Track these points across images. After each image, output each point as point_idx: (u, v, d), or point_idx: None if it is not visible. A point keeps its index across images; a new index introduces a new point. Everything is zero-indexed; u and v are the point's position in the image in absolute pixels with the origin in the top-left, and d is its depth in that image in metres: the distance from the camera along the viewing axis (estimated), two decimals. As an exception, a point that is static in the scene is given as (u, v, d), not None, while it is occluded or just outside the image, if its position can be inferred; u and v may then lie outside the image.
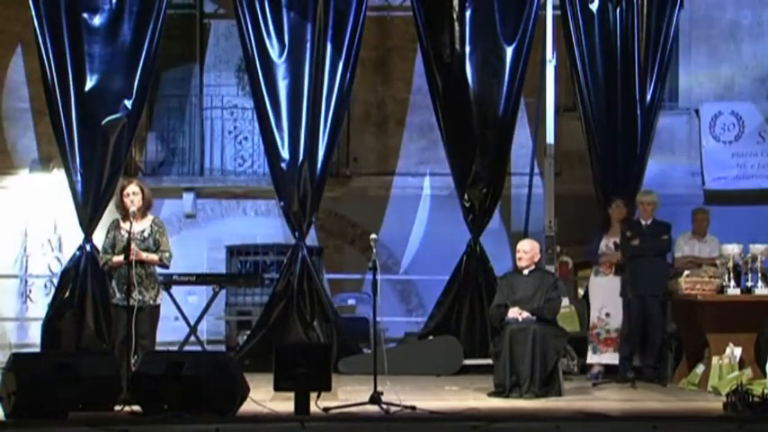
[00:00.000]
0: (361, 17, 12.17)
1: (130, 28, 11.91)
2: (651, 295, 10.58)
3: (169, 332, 12.05)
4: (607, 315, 11.11)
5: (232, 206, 14.98)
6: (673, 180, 14.26)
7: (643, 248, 10.64)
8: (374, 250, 8.92)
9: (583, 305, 11.58)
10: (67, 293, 11.64)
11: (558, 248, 12.17)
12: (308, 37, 11.97)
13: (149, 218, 9.22)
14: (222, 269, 14.54)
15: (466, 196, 12.12)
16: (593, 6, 12.11)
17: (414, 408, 8.34)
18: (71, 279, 11.68)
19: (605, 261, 11.14)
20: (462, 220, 12.19)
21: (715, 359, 9.95)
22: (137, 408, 8.00)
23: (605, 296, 11.13)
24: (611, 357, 11.01)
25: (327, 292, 12.25)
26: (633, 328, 10.55)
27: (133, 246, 8.88)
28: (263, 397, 8.51)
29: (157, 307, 9.17)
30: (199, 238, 14.66)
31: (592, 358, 11.19)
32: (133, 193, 9.09)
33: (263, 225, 14.85)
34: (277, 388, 8.31)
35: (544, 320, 9.66)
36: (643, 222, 10.91)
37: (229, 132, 15.01)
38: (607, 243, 11.15)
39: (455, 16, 12.07)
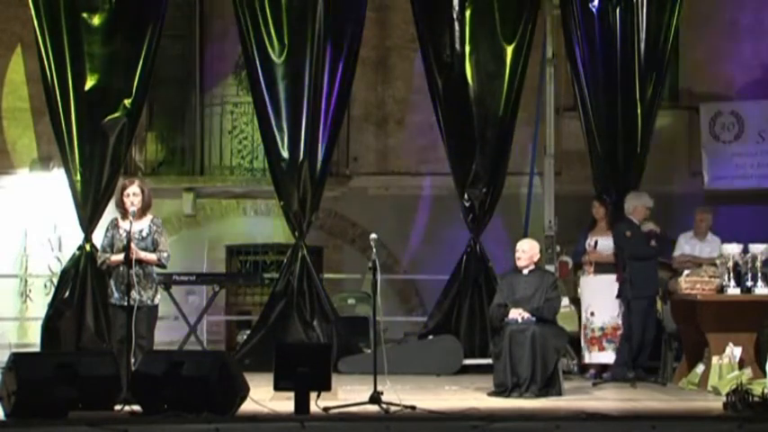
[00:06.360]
0: (361, 17, 12.18)
1: (130, 28, 11.91)
2: (652, 296, 10.62)
3: (169, 332, 12.06)
4: (592, 314, 11.13)
5: (232, 206, 14.98)
6: (673, 180, 14.27)
7: (658, 250, 10.72)
8: (374, 250, 8.92)
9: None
10: (67, 293, 11.65)
11: (558, 248, 12.19)
12: (308, 37, 11.96)
13: (148, 217, 9.23)
14: (222, 269, 14.54)
15: (466, 196, 12.12)
16: (593, 6, 12.11)
17: (414, 408, 8.34)
18: (71, 279, 11.69)
19: (586, 260, 11.18)
20: (462, 220, 12.20)
21: (715, 359, 9.95)
22: (137, 408, 8.01)
23: (590, 295, 11.16)
24: (600, 357, 11.03)
25: (326, 291, 12.24)
26: (635, 328, 10.50)
27: (132, 245, 8.89)
28: (263, 397, 8.51)
29: (155, 307, 9.19)
30: (199, 238, 14.66)
31: (587, 358, 11.20)
32: (134, 194, 9.10)
33: (263, 225, 14.84)
34: (277, 388, 8.32)
35: (544, 320, 9.66)
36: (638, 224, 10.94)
37: (229, 132, 15.00)
38: (589, 242, 11.18)
39: (455, 16, 12.07)
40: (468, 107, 12.09)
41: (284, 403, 8.28)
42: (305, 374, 8.13)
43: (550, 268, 11.57)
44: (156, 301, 9.20)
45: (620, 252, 10.71)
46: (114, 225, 9.21)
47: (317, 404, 8.15)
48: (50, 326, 11.53)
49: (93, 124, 11.81)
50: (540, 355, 9.46)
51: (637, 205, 10.97)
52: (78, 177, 11.83)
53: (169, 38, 13.63)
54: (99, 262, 9.37)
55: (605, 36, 12.11)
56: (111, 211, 10.61)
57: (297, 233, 12.06)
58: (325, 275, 13.54)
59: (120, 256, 8.95)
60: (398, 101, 14.91)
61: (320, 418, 7.91)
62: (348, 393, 9.26)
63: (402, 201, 14.68)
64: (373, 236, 8.99)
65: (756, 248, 10.17)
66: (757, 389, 8.42)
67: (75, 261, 11.75)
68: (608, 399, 9.65)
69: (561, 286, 10.77)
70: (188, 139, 14.92)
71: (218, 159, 14.95)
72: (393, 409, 8.30)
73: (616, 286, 10.81)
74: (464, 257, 12.08)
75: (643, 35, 12.07)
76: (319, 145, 12.06)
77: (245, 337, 12.46)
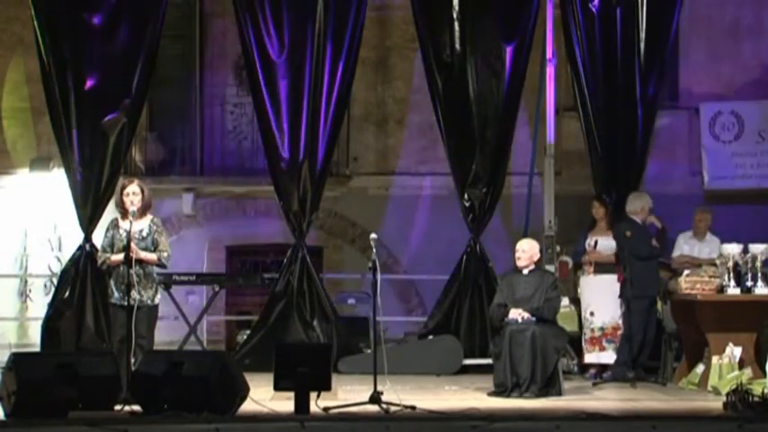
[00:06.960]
0: (361, 17, 12.18)
1: (130, 28, 11.90)
2: (653, 296, 10.62)
3: (169, 332, 12.07)
4: (592, 314, 11.13)
5: (232, 206, 14.99)
6: (672, 180, 14.27)
7: (659, 250, 10.72)
8: (374, 250, 8.92)
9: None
10: (67, 293, 11.65)
11: (558, 248, 12.18)
12: (308, 37, 11.96)
13: (148, 217, 9.22)
14: (222, 269, 14.54)
15: (466, 196, 12.12)
16: (593, 6, 12.11)
17: (414, 408, 8.34)
18: (71, 279, 11.69)
19: (586, 260, 11.18)
20: (462, 220, 12.19)
21: (715, 359, 9.94)
22: (137, 408, 8.00)
23: (590, 295, 11.17)
24: (600, 357, 11.03)
25: (326, 291, 12.24)
26: (636, 328, 10.48)
27: (132, 245, 8.88)
28: (263, 397, 8.51)
29: (155, 307, 9.18)
30: (199, 238, 14.67)
31: (587, 358, 11.21)
32: (133, 193, 9.10)
33: (263, 225, 14.85)
34: (277, 387, 8.32)
35: (544, 320, 9.66)
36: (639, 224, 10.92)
37: (229, 132, 15.01)
38: (589, 242, 11.18)
39: (455, 16, 12.06)
40: (468, 107, 12.09)
41: (284, 403, 8.28)
42: (305, 374, 8.13)
43: (550, 268, 11.56)
44: (156, 301, 9.19)
45: (621, 252, 10.71)
46: (114, 225, 9.20)
47: (317, 404, 8.15)
48: (50, 326, 11.53)
49: (92, 124, 11.81)
50: (540, 355, 9.45)
51: (644, 205, 10.96)
52: (78, 177, 11.83)
53: (169, 38, 13.64)
54: (99, 262, 9.37)
55: (605, 36, 12.11)
56: (111, 211, 10.61)
57: (297, 233, 12.06)
58: (325, 275, 13.54)
59: (121, 256, 8.94)
60: (398, 101, 14.91)
61: (320, 418, 7.91)
62: (348, 393, 9.26)
63: (402, 201, 14.68)
64: (373, 236, 8.99)
65: (756, 248, 10.16)
66: (757, 389, 8.42)
67: (75, 261, 11.75)
68: (608, 399, 9.64)
69: (561, 286, 10.76)
70: (188, 139, 14.92)
71: (219, 159, 14.95)
72: (393, 409, 8.30)
73: (616, 286, 10.80)
74: (464, 257, 12.08)
75: (643, 35, 12.06)
76: (319, 145, 12.05)
77: (245, 337, 12.45)
